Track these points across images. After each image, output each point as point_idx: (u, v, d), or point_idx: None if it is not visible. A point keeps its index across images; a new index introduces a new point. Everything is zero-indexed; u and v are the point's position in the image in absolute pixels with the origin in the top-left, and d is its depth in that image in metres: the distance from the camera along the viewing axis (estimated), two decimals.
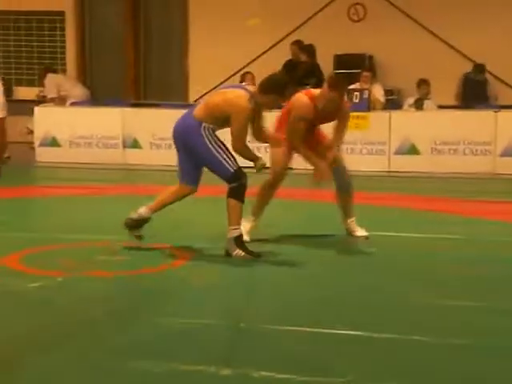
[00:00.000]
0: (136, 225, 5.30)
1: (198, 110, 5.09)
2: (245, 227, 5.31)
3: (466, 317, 3.85)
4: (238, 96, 4.95)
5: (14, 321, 3.78)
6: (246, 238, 5.24)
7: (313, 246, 5.51)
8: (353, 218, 5.72)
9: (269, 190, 5.57)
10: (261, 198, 5.59)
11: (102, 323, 3.73)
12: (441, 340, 3.46)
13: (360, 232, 5.69)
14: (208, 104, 5.10)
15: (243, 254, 4.99)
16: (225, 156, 5.01)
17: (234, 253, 5.00)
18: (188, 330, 3.61)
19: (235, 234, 5.02)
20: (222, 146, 5.04)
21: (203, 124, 5.01)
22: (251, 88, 5.15)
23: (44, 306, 4.03)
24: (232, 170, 4.99)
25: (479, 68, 11.06)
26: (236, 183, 4.98)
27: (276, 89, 4.96)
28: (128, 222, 5.30)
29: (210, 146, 5.02)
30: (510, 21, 11.48)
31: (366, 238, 5.63)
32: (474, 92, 10.89)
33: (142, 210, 5.29)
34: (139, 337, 3.52)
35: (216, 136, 5.06)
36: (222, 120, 4.99)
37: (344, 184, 5.64)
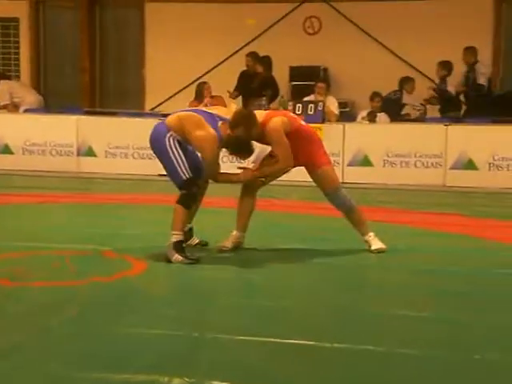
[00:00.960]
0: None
1: (170, 119, 5.30)
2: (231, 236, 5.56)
3: (413, 326, 3.94)
4: (207, 140, 5.12)
5: None
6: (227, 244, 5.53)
7: (284, 257, 5.56)
8: (368, 235, 5.68)
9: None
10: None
11: (53, 333, 3.71)
12: (391, 349, 3.54)
13: (374, 245, 5.64)
14: (181, 121, 5.24)
15: (181, 258, 5.09)
16: (181, 163, 5.16)
17: (173, 258, 5.11)
18: (143, 339, 3.62)
19: (174, 239, 5.12)
20: (181, 155, 5.19)
21: (170, 132, 5.22)
22: (222, 118, 5.28)
23: None
24: (184, 178, 5.15)
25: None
26: (185, 191, 5.15)
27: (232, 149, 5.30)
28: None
29: (170, 151, 5.19)
30: (463, 34, 11.72)
31: (380, 251, 5.60)
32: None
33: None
34: (92, 346, 3.51)
35: (180, 145, 5.22)
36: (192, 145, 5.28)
37: (340, 208, 5.70)
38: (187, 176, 5.16)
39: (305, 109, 10.45)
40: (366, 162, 10.28)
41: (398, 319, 4.05)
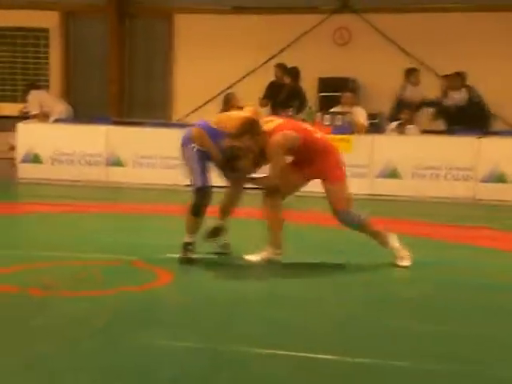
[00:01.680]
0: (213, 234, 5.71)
1: (193, 132, 5.43)
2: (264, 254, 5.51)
3: (438, 341, 3.87)
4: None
5: None
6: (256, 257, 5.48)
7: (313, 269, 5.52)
8: (391, 246, 5.52)
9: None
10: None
11: (80, 345, 3.70)
12: (415, 365, 3.47)
13: (400, 261, 5.49)
14: (200, 137, 5.38)
15: (183, 259, 5.39)
16: (202, 171, 5.33)
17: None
18: (166, 352, 3.60)
19: (184, 239, 5.40)
20: (203, 164, 5.34)
21: (192, 144, 5.38)
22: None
23: (20, 324, 3.99)
24: (199, 185, 5.31)
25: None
26: (195, 198, 5.33)
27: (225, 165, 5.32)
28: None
29: (195, 156, 5.34)
30: (494, 48, 11.62)
31: (405, 267, 5.45)
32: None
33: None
34: (116, 359, 3.49)
35: (201, 154, 5.34)
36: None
37: (350, 227, 5.58)
38: (202, 184, 5.30)
39: (332, 120, 10.39)
40: (394, 174, 10.18)
41: (423, 334, 3.98)
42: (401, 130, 10.68)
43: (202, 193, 5.30)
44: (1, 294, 4.61)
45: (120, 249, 5.95)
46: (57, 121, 12.03)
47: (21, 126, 11.47)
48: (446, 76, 10.96)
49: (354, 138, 10.27)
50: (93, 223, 7.66)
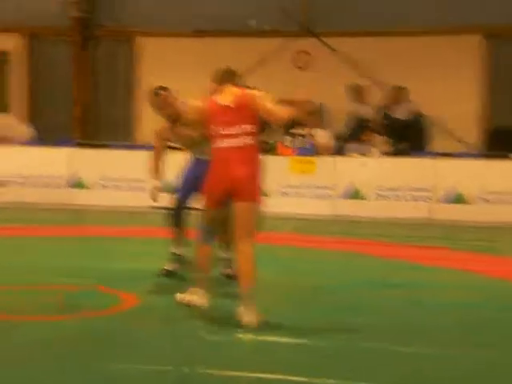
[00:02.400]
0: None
1: None
2: None
3: (401, 363, 3.94)
4: None
5: None
6: None
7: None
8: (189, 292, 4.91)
9: None
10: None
11: (45, 370, 3.69)
12: None
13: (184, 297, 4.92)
14: None
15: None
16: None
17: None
18: (132, 376, 3.61)
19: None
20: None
21: None
22: None
23: None
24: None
25: None
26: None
27: None
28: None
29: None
30: (452, 71, 11.87)
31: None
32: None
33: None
34: (88, 383, 3.50)
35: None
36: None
37: None
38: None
39: (294, 141, 10.52)
40: (357, 195, 10.31)
41: (392, 355, 4.06)
42: (362, 151, 10.82)
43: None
44: None
45: (83, 273, 5.93)
46: (19, 144, 11.94)
47: None
48: (392, 88, 11.21)
49: (317, 159, 10.38)
50: (55, 247, 7.60)
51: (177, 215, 5.68)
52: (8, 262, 6.44)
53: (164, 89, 5.57)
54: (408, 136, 11.01)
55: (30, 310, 4.79)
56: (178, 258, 5.71)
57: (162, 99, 5.40)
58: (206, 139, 4.92)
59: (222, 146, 4.68)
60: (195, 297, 4.81)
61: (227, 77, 4.96)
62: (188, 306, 4.82)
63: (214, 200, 4.73)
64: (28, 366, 3.72)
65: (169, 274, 5.61)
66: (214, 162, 4.71)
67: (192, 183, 5.53)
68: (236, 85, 4.94)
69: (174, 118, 5.48)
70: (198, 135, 5.35)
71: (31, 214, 10.17)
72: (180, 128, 5.40)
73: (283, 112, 4.72)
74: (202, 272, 4.82)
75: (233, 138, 4.68)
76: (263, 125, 11.17)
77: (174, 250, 5.74)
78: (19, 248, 7.42)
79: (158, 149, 5.79)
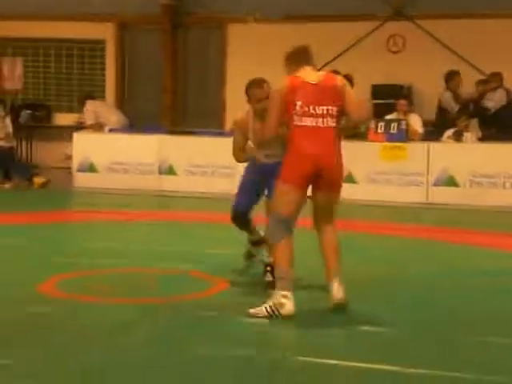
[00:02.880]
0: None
1: None
2: None
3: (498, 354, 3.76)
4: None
5: (35, 344, 3.77)
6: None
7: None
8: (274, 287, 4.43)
9: None
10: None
11: (134, 352, 3.69)
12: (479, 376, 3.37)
13: (264, 305, 4.32)
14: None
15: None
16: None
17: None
18: (218, 361, 3.56)
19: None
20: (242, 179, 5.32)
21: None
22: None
23: (71, 332, 4.01)
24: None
25: None
26: None
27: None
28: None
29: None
30: None
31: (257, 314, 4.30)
32: None
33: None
34: (176, 367, 3.47)
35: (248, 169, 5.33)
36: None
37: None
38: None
39: (387, 127, 10.26)
40: (451, 182, 9.98)
41: (487, 346, 3.88)
42: (457, 137, 10.48)
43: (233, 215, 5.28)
44: (59, 300, 4.65)
45: (174, 257, 5.96)
46: (112, 131, 12.18)
47: (77, 136, 11.64)
48: (482, 80, 10.76)
49: (409, 145, 10.11)
50: (146, 232, 7.70)
51: (240, 224, 5.32)
52: (100, 246, 6.54)
53: (265, 81, 5.34)
54: (499, 122, 10.59)
55: (125, 292, 4.82)
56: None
57: (265, 91, 5.13)
58: (280, 140, 4.63)
59: (309, 124, 4.42)
60: (283, 300, 4.25)
61: (305, 57, 4.72)
62: (272, 315, 4.24)
63: (298, 183, 4.37)
64: (115, 350, 3.73)
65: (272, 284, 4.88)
66: (298, 141, 4.40)
67: (252, 189, 5.20)
68: (314, 66, 4.73)
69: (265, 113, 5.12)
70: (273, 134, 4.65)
71: (122, 199, 10.33)
72: (261, 123, 4.94)
73: (366, 110, 4.50)
74: (288, 269, 4.32)
75: (320, 118, 4.44)
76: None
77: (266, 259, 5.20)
78: (111, 232, 7.55)
79: (239, 143, 5.24)
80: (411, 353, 3.77)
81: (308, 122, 4.44)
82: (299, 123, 4.44)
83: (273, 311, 4.23)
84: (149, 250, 6.32)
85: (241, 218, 5.21)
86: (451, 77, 10.97)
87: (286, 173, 4.42)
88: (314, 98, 4.49)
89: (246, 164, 5.34)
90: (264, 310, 4.25)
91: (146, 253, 6.18)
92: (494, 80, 10.82)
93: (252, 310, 4.29)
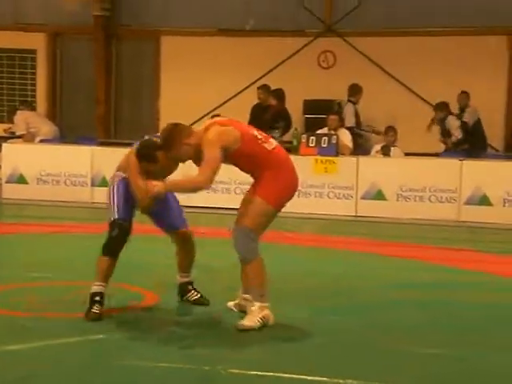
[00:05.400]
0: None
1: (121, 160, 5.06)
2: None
3: (430, 364, 3.89)
4: (130, 154, 4.85)
5: None
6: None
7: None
8: (254, 303, 4.51)
9: None
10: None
11: (64, 363, 3.69)
12: None
13: (246, 320, 4.48)
14: (124, 158, 5.03)
15: (88, 311, 4.58)
16: (115, 204, 4.76)
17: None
18: (153, 373, 3.59)
19: (91, 290, 4.67)
20: (119, 192, 4.80)
21: (116, 172, 5.00)
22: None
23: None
24: (113, 217, 4.72)
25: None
26: (108, 233, 4.72)
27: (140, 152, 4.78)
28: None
29: (109, 191, 4.89)
30: (476, 71, 11.77)
31: (243, 329, 4.43)
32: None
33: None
34: (100, 380, 3.48)
35: (126, 186, 4.80)
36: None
37: (236, 248, 4.56)
38: (114, 216, 4.72)
39: (318, 141, 10.45)
40: (379, 195, 10.23)
41: (411, 356, 4.00)
42: (385, 151, 10.75)
43: (118, 226, 4.66)
44: None
45: None
46: (43, 141, 12.02)
47: (6, 146, 11.44)
48: (461, 94, 11.10)
49: (339, 159, 10.32)
50: (78, 244, 7.62)
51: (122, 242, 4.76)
52: (28, 259, 6.45)
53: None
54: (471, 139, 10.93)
55: (52, 306, 4.79)
56: (101, 300, 4.66)
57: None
58: None
59: (274, 148, 4.55)
60: (268, 312, 4.47)
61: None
62: (263, 325, 4.42)
63: (282, 206, 4.55)
64: (50, 362, 3.70)
65: (98, 317, 4.56)
66: (282, 164, 4.52)
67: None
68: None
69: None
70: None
71: (53, 211, 10.19)
72: None
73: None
74: (265, 285, 4.50)
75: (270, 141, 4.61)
76: (288, 125, 11.10)
77: (96, 288, 4.69)
78: (40, 244, 7.44)
79: None
80: (339, 362, 3.86)
81: (271, 146, 4.56)
82: (267, 149, 4.52)
83: (263, 323, 4.44)
84: (79, 263, 6.26)
85: (128, 228, 4.83)
86: (354, 90, 11.29)
87: (275, 196, 4.48)
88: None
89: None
90: (257, 322, 4.42)
91: (76, 265, 6.12)
92: (466, 98, 11.08)
93: (245, 323, 4.42)
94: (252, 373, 3.63)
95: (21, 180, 11.18)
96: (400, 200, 10.17)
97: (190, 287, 5.05)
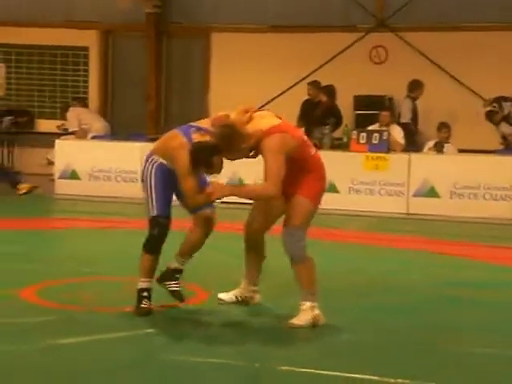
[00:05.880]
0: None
1: (155, 143, 4.89)
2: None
3: (482, 365, 3.79)
4: (175, 148, 4.53)
5: (18, 352, 3.76)
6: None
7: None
8: (304, 303, 4.50)
9: None
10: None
11: (113, 362, 3.70)
12: None
13: (296, 319, 4.47)
14: (161, 140, 4.80)
15: (137, 308, 4.56)
16: (153, 196, 4.56)
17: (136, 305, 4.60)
18: (201, 368, 3.57)
19: (138, 286, 4.64)
20: (156, 185, 4.57)
21: (152, 156, 4.69)
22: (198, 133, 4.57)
23: (53, 340, 4.00)
24: (152, 214, 4.57)
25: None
26: (150, 230, 4.61)
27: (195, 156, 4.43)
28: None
29: (147, 180, 4.62)
30: None
31: (295, 327, 4.43)
32: None
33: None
34: (149, 374, 3.48)
35: (163, 172, 4.59)
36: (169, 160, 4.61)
37: (287, 251, 4.56)
38: (154, 213, 4.56)
39: (369, 138, 10.33)
40: (432, 192, 10.06)
41: (462, 356, 3.91)
42: (438, 148, 10.57)
43: (159, 224, 4.55)
44: (37, 307, 4.64)
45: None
46: (94, 138, 12.16)
47: (59, 143, 11.61)
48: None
49: (390, 156, 10.19)
50: (128, 239, 7.67)
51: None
52: (84, 253, 6.53)
53: None
54: None
55: (105, 301, 4.82)
56: (148, 295, 4.65)
57: None
58: None
59: (315, 151, 4.67)
60: (317, 311, 4.48)
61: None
62: (314, 325, 4.41)
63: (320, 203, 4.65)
64: (103, 356, 3.72)
65: (147, 313, 4.60)
66: (321, 166, 4.61)
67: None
68: None
69: None
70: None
71: (104, 207, 10.30)
72: None
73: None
74: (315, 284, 4.52)
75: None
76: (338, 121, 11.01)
77: (143, 284, 4.67)
78: (94, 240, 7.53)
79: None
80: (390, 362, 3.80)
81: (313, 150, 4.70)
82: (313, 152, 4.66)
83: (314, 322, 4.43)
84: (131, 258, 6.29)
85: (168, 225, 4.66)
86: (415, 86, 11.08)
87: (318, 195, 4.59)
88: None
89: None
90: (308, 321, 4.42)
91: (128, 260, 6.16)
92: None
93: (296, 322, 4.43)
94: (304, 370, 3.59)
95: (73, 176, 11.34)
96: (453, 198, 9.99)
97: (178, 276, 4.72)
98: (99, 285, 5.32)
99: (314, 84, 11.38)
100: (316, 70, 12.19)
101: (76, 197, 10.83)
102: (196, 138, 4.52)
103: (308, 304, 4.45)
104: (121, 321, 4.41)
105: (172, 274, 4.71)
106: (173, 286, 4.70)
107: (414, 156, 10.30)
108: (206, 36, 13.26)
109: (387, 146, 10.27)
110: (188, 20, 13.26)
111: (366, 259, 6.67)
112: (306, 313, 4.43)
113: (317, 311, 4.46)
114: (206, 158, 4.38)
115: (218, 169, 4.47)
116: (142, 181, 4.66)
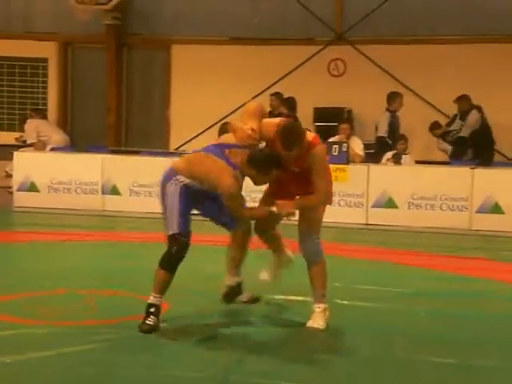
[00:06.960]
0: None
1: (178, 163, 4.83)
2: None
3: (439, 374, 3.87)
4: (217, 172, 4.55)
5: None
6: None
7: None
8: (318, 305, 4.78)
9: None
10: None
11: (71, 376, 3.69)
12: None
13: (312, 322, 4.73)
14: (188, 162, 4.77)
15: (147, 325, 4.51)
16: (174, 214, 4.60)
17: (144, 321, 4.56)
18: (166, 381, 3.58)
19: (149, 300, 4.62)
20: (177, 204, 4.62)
21: (177, 176, 4.69)
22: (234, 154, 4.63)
23: (14, 356, 3.97)
24: (170, 232, 4.62)
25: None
26: (169, 247, 4.63)
27: (259, 165, 4.55)
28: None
29: (168, 198, 4.67)
30: (487, 79, 11.75)
31: (314, 330, 4.68)
32: None
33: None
34: None
35: (187, 191, 4.64)
36: (206, 185, 4.64)
37: (308, 254, 4.84)
38: (172, 231, 4.59)
39: (329, 150, 10.43)
40: (390, 203, 10.20)
41: (421, 365, 3.98)
42: (396, 159, 10.73)
43: (178, 242, 4.57)
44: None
45: (115, 278, 5.93)
46: (53, 149, 12.06)
47: (17, 155, 11.49)
48: (457, 98, 10.95)
49: (349, 167, 10.30)
50: (89, 252, 7.64)
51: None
52: (40, 267, 6.46)
53: None
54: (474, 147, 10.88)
55: (64, 315, 4.78)
56: (156, 312, 4.64)
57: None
58: None
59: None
60: (328, 313, 4.74)
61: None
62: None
63: None
64: (61, 374, 3.69)
65: (152, 330, 4.56)
66: (330, 171, 4.90)
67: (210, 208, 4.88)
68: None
69: None
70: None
71: (64, 219, 10.22)
72: None
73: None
74: (326, 285, 4.80)
75: None
76: None
77: (153, 300, 4.67)
78: (51, 253, 7.46)
79: None
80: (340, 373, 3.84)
81: None
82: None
83: (327, 323, 4.70)
84: (91, 271, 6.27)
85: (188, 243, 4.74)
86: (391, 98, 11.23)
87: (330, 198, 4.83)
88: None
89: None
90: (323, 323, 4.66)
91: (88, 273, 6.14)
92: (466, 101, 10.92)
93: (314, 325, 4.64)
94: (264, 381, 3.61)
95: (32, 188, 11.21)
96: (411, 208, 10.14)
97: (242, 287, 5.13)
98: (60, 298, 5.29)
99: (278, 95, 11.48)
100: (276, 82, 12.31)
101: (35, 209, 10.70)
102: (233, 158, 4.58)
103: (322, 306, 4.69)
104: (81, 334, 4.39)
105: (240, 288, 5.09)
106: (244, 297, 5.11)
107: (373, 167, 10.44)
108: (166, 48, 13.29)
109: (347, 158, 10.39)
110: (149, 32, 13.28)
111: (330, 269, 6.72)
112: (321, 315, 4.67)
113: (327, 313, 4.69)
114: (269, 166, 4.52)
115: (271, 178, 4.63)
116: (162, 197, 4.73)
